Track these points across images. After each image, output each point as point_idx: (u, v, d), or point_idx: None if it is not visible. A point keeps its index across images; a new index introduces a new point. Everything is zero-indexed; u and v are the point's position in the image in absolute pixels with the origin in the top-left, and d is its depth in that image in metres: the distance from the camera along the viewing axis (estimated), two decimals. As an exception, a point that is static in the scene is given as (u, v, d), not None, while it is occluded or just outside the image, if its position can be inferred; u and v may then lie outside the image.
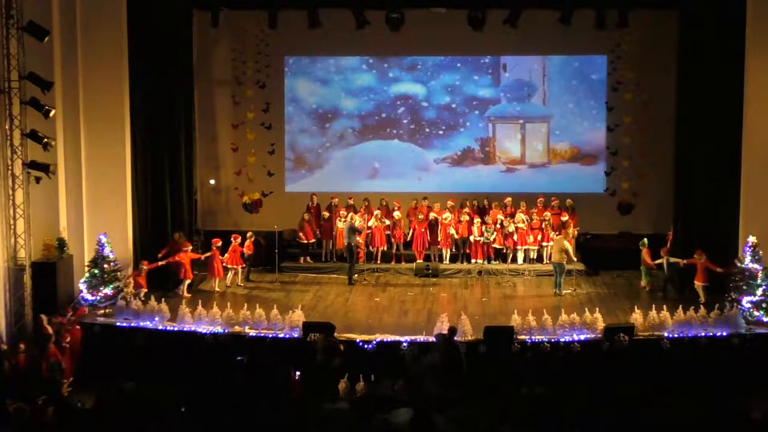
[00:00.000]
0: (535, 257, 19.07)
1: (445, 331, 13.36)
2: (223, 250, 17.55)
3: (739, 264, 15.32)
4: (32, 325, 14.54)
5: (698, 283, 16.18)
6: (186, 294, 16.76)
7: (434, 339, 13.43)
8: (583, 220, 19.14)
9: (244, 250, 17.77)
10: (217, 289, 17.19)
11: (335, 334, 13.89)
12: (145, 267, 16.33)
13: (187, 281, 16.95)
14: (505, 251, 19.05)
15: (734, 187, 16.20)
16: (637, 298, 16.66)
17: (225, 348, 14.17)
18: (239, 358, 13.54)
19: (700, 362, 13.86)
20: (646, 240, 17.49)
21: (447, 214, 18.90)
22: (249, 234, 18.02)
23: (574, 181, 20.19)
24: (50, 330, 13.82)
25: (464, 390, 11.97)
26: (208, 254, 17.40)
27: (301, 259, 19.24)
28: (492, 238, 18.75)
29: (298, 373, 12.67)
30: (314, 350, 13.57)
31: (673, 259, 16.69)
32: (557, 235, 17.76)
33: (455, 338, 13.40)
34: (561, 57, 20.17)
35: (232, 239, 17.71)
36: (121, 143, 16.72)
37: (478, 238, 18.78)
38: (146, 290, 16.18)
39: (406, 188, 20.31)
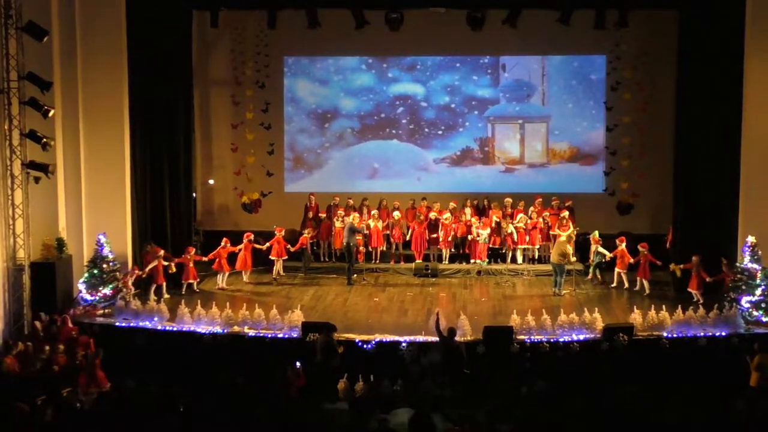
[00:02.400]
0: (535, 257, 19.06)
1: (445, 331, 13.32)
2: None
3: (641, 249, 16.85)
4: (31, 325, 14.54)
5: (618, 270, 17.36)
6: (225, 286, 17.41)
7: (434, 329, 13.36)
8: (583, 220, 19.08)
9: (298, 245, 18.33)
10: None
11: (334, 334, 13.88)
12: (191, 255, 16.99)
13: (224, 274, 17.49)
14: (504, 251, 19.05)
15: (734, 187, 16.21)
16: (636, 298, 16.67)
17: (224, 348, 14.15)
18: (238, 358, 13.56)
19: (699, 362, 13.87)
20: (596, 232, 17.78)
21: (447, 215, 18.88)
22: (307, 231, 18.49)
23: (574, 181, 20.19)
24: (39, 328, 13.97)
25: (464, 390, 11.96)
26: (240, 247, 17.68)
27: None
28: (488, 240, 18.71)
29: (298, 364, 12.67)
30: (313, 350, 13.56)
31: (601, 250, 17.50)
32: (560, 236, 17.68)
33: (455, 338, 13.37)
34: (560, 57, 20.16)
35: (276, 231, 18.09)
36: (120, 143, 16.68)
37: (476, 239, 18.76)
38: (198, 280, 17.22)
39: (405, 188, 20.30)
